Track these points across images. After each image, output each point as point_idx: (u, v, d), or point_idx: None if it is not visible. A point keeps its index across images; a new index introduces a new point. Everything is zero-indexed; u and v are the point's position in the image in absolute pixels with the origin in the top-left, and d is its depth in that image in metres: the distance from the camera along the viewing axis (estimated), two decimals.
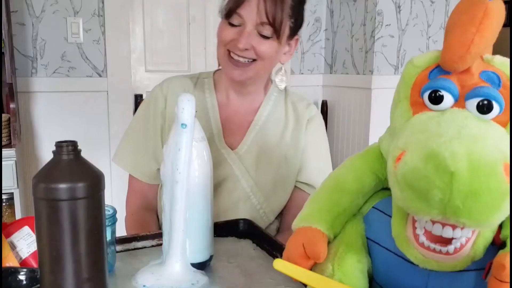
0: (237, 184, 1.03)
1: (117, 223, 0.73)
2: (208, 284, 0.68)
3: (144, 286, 0.67)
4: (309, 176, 1.07)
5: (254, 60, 0.97)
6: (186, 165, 0.68)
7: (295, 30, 1.01)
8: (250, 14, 0.94)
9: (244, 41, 0.94)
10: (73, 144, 0.50)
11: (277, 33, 0.95)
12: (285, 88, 1.12)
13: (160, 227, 1.07)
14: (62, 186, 0.48)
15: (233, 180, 1.02)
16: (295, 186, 1.09)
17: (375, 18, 2.38)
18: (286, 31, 0.98)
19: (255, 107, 1.08)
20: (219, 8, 1.00)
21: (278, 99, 1.10)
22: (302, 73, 2.78)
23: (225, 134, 1.05)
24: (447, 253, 0.52)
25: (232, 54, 0.97)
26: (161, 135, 1.06)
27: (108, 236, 0.69)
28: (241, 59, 0.97)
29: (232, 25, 0.96)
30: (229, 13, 0.95)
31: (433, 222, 0.52)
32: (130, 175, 1.08)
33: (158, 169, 1.05)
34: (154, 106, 1.06)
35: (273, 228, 1.10)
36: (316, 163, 1.09)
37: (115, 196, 2.08)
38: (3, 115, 1.85)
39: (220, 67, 1.06)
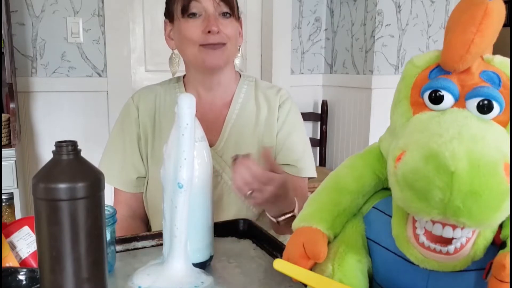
0: (218, 178, 1.05)
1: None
2: (213, 285, 0.68)
3: (139, 287, 0.66)
4: (288, 157, 1.10)
5: (224, 43, 1.02)
6: (183, 222, 0.68)
7: (237, 7, 1.07)
8: None
9: (214, 23, 0.99)
10: (73, 144, 0.50)
11: (232, 9, 1.02)
12: (255, 79, 1.16)
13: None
14: (62, 186, 0.48)
15: (214, 176, 1.03)
16: None
17: (375, 18, 2.38)
18: (236, 6, 1.05)
19: (227, 102, 1.11)
20: (169, 12, 1.06)
21: (248, 91, 1.13)
22: (302, 73, 2.78)
23: None
24: (447, 253, 0.52)
25: (206, 44, 1.01)
26: (138, 143, 1.10)
27: (108, 236, 0.68)
28: (217, 44, 1.01)
29: (192, 16, 1.00)
30: (185, 7, 1.00)
31: (433, 222, 0.52)
32: (114, 187, 1.11)
33: (138, 177, 1.09)
34: (128, 116, 1.11)
35: (265, 220, 1.10)
36: (293, 142, 1.11)
37: None
38: (3, 115, 1.85)
39: (185, 73, 1.13)
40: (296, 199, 0.95)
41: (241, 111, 1.11)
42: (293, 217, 0.92)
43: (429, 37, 2.53)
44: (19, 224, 0.71)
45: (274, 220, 0.93)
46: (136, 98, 1.12)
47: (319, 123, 2.75)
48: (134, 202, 1.11)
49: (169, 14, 1.06)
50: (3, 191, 1.79)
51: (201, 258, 0.72)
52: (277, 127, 1.11)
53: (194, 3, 0.99)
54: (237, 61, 1.11)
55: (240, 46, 1.10)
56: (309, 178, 1.15)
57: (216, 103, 1.11)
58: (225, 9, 1.01)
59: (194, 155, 0.69)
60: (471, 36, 0.51)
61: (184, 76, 1.16)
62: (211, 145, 1.06)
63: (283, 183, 0.86)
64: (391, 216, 0.59)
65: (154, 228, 1.11)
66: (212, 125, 1.08)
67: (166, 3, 1.07)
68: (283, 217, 0.92)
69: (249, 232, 0.88)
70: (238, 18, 1.07)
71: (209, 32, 0.98)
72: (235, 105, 1.11)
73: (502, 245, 0.53)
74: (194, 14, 1.00)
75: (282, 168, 1.10)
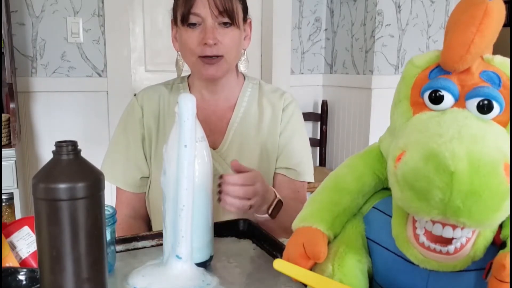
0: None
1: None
2: (219, 285, 0.68)
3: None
4: (288, 160, 1.10)
5: (222, 55, 1.01)
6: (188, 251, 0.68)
7: (245, 12, 1.06)
8: (205, 9, 0.98)
9: (212, 36, 0.98)
10: (73, 144, 0.50)
11: (232, 19, 0.99)
12: (259, 82, 1.16)
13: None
14: (62, 186, 0.48)
15: (216, 178, 1.03)
16: (276, 173, 1.11)
17: (375, 18, 2.38)
18: (240, 14, 1.02)
19: (231, 105, 1.11)
20: (171, 19, 1.07)
21: (252, 94, 1.13)
22: (302, 73, 2.78)
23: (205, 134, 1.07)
24: (447, 253, 0.52)
25: (203, 56, 1.00)
26: (142, 143, 1.09)
27: (108, 236, 0.68)
28: (213, 57, 1.00)
29: (191, 25, 1.00)
30: (185, 17, 0.99)
31: (433, 222, 0.52)
32: (117, 187, 1.11)
33: (142, 178, 1.09)
34: (132, 116, 1.10)
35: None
36: (294, 146, 1.11)
37: (115, 196, 2.08)
38: (3, 115, 1.85)
39: (190, 74, 1.12)
40: (295, 203, 0.95)
41: (244, 115, 1.10)
42: (280, 201, 0.94)
43: (429, 37, 2.53)
44: (19, 224, 0.71)
45: (266, 215, 0.93)
46: (140, 98, 1.11)
47: (319, 123, 2.75)
48: (137, 202, 1.11)
49: (174, 17, 1.06)
50: (3, 191, 1.79)
51: (201, 258, 0.72)
52: (280, 130, 1.11)
53: (192, 15, 0.98)
54: (241, 65, 1.10)
55: (245, 49, 1.09)
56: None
57: (220, 106, 1.11)
58: (225, 19, 0.99)
59: (194, 156, 0.69)
60: (471, 36, 0.51)
61: (189, 76, 1.15)
62: (214, 148, 1.07)
63: (258, 174, 0.89)
64: (391, 216, 0.59)
65: (155, 228, 1.11)
66: (215, 128, 1.08)
67: (173, 5, 1.06)
68: (271, 207, 0.93)
69: (249, 232, 0.88)
70: (243, 23, 1.05)
71: (205, 44, 0.98)
72: (239, 109, 1.10)
73: (502, 245, 0.53)
74: (193, 24, 0.99)
75: (282, 171, 1.10)
